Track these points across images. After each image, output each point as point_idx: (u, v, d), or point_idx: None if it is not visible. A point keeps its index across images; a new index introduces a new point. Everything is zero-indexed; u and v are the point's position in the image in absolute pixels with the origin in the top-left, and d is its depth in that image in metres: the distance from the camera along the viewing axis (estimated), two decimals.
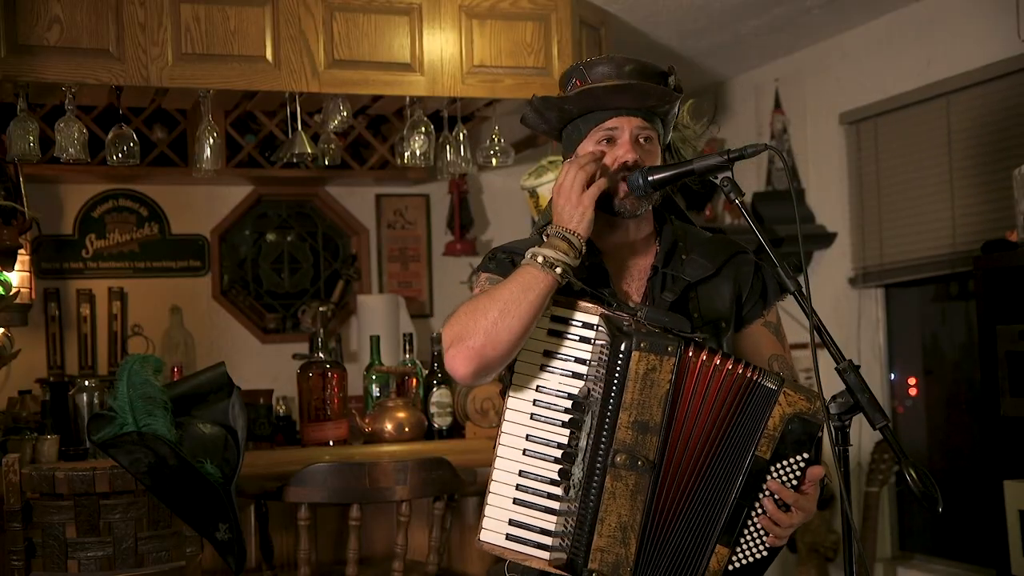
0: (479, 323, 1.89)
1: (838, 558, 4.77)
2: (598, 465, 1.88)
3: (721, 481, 1.90)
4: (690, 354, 1.89)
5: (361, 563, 3.12)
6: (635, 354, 1.86)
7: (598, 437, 1.89)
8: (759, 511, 1.90)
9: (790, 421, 1.89)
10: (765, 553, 1.92)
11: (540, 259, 1.91)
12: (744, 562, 1.92)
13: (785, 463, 1.90)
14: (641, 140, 2.07)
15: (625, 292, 2.12)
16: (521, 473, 1.94)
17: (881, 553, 4.78)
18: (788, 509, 1.91)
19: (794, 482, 1.91)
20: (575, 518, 1.90)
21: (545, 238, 1.96)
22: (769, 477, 1.90)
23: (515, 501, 1.94)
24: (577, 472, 1.91)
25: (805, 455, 1.90)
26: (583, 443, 1.92)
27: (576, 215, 1.94)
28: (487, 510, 1.95)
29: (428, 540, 3.15)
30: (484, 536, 1.95)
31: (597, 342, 1.94)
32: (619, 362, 1.87)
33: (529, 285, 1.90)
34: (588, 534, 1.88)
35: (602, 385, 1.89)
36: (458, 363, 1.92)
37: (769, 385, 1.90)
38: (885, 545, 4.82)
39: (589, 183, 1.96)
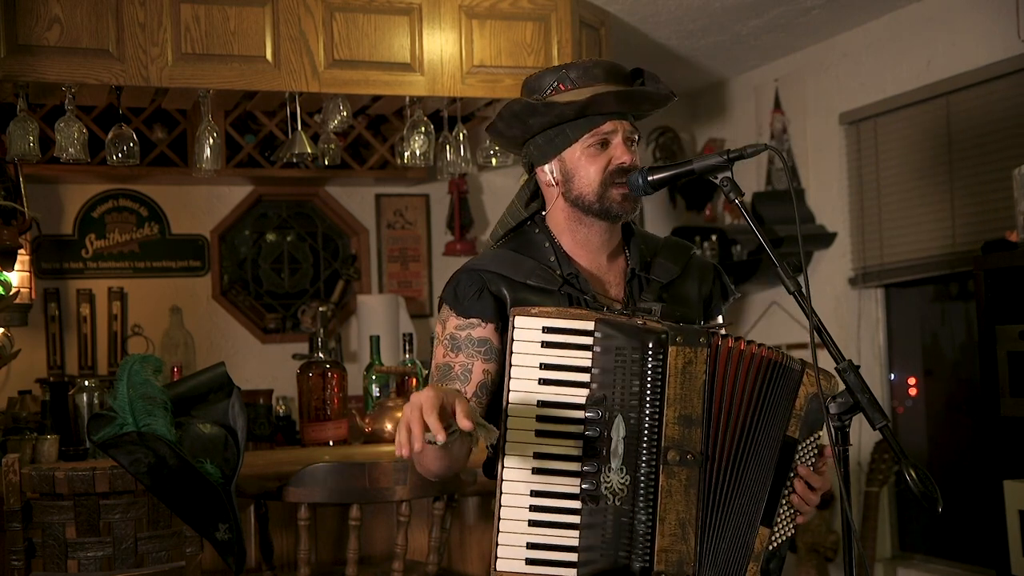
0: None
1: (838, 558, 4.77)
2: (648, 466, 1.88)
3: (761, 463, 1.94)
4: (719, 343, 1.93)
5: (361, 563, 3.12)
6: (672, 349, 1.89)
7: (638, 438, 1.88)
8: (791, 490, 1.96)
9: (812, 400, 1.95)
10: (793, 531, 1.99)
11: None
12: (779, 542, 1.96)
13: (807, 441, 1.96)
14: (631, 143, 2.09)
15: (605, 297, 2.13)
16: (533, 493, 1.86)
17: (881, 553, 4.77)
18: (813, 488, 1.97)
19: (812, 460, 1.97)
20: (613, 525, 1.86)
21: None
22: (797, 456, 1.96)
23: (531, 523, 1.85)
24: (615, 478, 1.87)
25: (819, 433, 1.96)
26: (617, 448, 1.87)
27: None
28: (500, 538, 1.85)
29: (428, 540, 3.15)
30: (501, 565, 1.85)
31: (599, 346, 1.90)
32: (650, 360, 1.89)
33: None
34: (648, 537, 1.87)
35: (619, 388, 1.88)
36: None
37: (794, 366, 1.95)
38: (885, 545, 4.82)
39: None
